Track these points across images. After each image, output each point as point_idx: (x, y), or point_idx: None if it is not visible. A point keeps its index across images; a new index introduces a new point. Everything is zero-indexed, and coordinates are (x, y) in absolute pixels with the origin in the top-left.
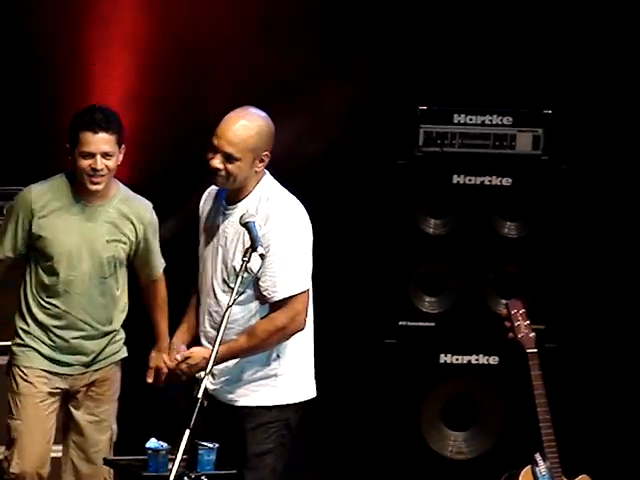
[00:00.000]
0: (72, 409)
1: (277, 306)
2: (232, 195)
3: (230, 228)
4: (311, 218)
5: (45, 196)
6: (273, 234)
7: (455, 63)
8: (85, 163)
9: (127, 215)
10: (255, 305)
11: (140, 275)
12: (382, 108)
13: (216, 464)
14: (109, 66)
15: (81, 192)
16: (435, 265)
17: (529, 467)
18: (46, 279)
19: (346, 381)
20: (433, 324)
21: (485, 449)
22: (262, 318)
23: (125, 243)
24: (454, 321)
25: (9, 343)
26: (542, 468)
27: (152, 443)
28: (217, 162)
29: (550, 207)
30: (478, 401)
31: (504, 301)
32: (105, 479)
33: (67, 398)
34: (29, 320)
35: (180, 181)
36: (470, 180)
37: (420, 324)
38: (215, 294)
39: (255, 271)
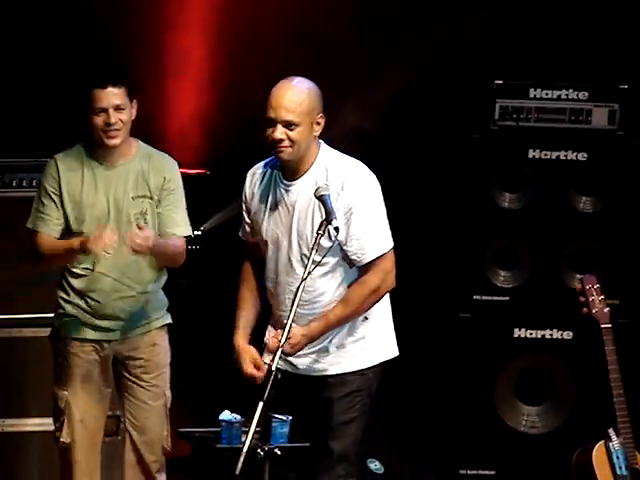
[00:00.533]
0: (123, 376)
1: (367, 268)
2: (291, 169)
3: (299, 202)
4: (386, 192)
5: (69, 163)
6: (353, 198)
7: (532, 37)
8: (99, 119)
9: (150, 171)
10: (340, 273)
11: (163, 235)
12: (458, 82)
13: (289, 437)
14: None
15: (101, 154)
16: (510, 239)
17: (602, 442)
18: None
19: (421, 355)
20: (507, 298)
21: (558, 424)
22: (351, 284)
23: (151, 198)
24: (528, 296)
25: (52, 315)
26: (615, 443)
27: (225, 415)
28: (278, 133)
29: (625, 182)
30: (552, 376)
31: (579, 276)
32: (163, 447)
33: (116, 365)
34: (68, 289)
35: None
36: (545, 155)
37: (494, 298)
38: (295, 271)
39: (334, 239)
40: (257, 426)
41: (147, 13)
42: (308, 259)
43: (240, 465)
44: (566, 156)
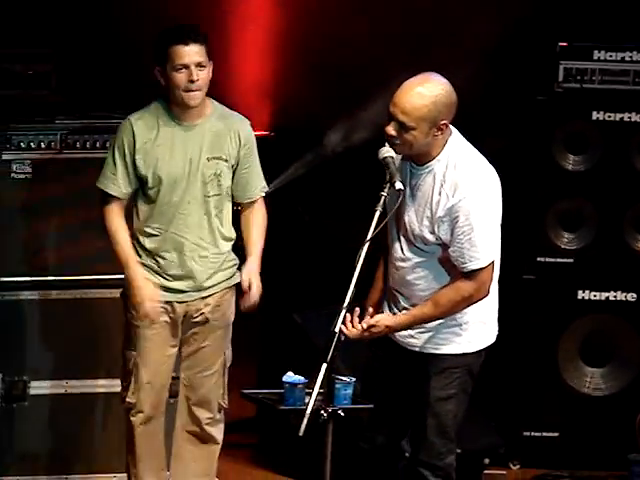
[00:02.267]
0: (185, 333)
1: (464, 275)
2: (417, 158)
3: (418, 191)
4: None
5: (144, 123)
6: (462, 205)
7: None
8: (180, 77)
9: (226, 132)
10: (440, 268)
11: (240, 197)
12: (523, 44)
13: (353, 398)
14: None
15: (178, 113)
16: (573, 201)
17: None
18: (151, 204)
19: None
20: (571, 260)
21: (622, 386)
22: (447, 285)
23: (226, 160)
24: (592, 258)
25: (123, 275)
26: None
27: (289, 377)
28: (391, 129)
29: None
30: (616, 338)
31: None
32: (219, 404)
33: (183, 324)
34: (139, 250)
35: None
36: (609, 117)
37: (558, 260)
38: (402, 250)
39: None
40: (320, 387)
41: None
42: (416, 245)
43: (304, 426)
44: (630, 118)
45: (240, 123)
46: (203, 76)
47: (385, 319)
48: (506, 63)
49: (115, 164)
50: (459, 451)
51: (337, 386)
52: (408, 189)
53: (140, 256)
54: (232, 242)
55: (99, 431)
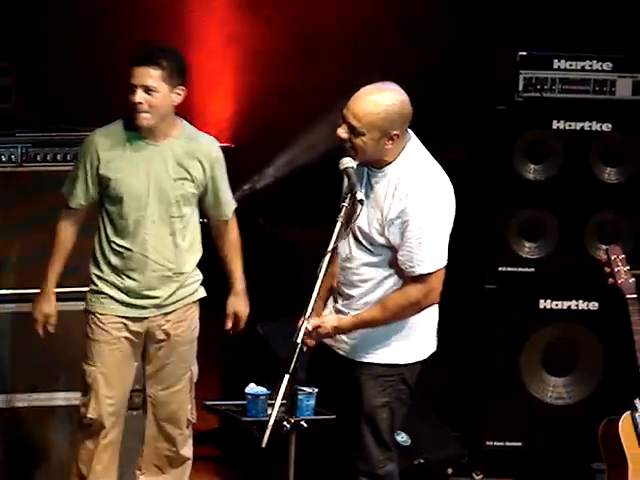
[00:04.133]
0: (149, 350)
1: (413, 280)
2: (372, 161)
3: (372, 192)
4: None
5: (110, 138)
6: (412, 209)
7: (556, 8)
8: (130, 96)
9: (193, 153)
10: (387, 270)
11: (211, 216)
12: (482, 54)
13: (315, 409)
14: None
15: (143, 132)
16: (535, 211)
17: (629, 413)
18: (116, 221)
19: (447, 327)
20: (533, 269)
21: (585, 395)
22: (396, 290)
23: (192, 181)
24: (554, 267)
25: (86, 289)
26: None
27: (251, 388)
28: (342, 131)
29: None
30: (578, 346)
31: (604, 247)
32: (187, 419)
33: (146, 341)
34: (102, 266)
35: None
36: (570, 125)
37: (520, 269)
38: (350, 249)
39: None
40: (283, 398)
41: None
42: (365, 246)
43: (266, 438)
44: (590, 127)
45: (207, 144)
46: (151, 100)
47: (331, 319)
48: (466, 73)
49: (77, 174)
50: (422, 461)
51: (300, 397)
52: (363, 190)
53: (102, 271)
54: (198, 259)
55: (63, 444)
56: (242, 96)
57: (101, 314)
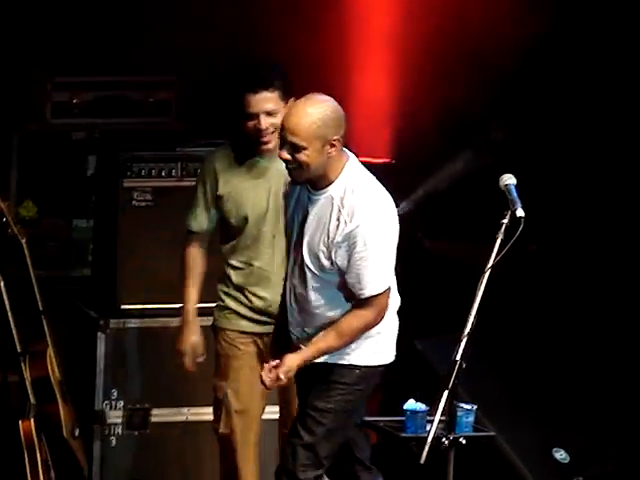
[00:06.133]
0: None
1: (363, 302)
2: (314, 184)
3: (316, 216)
4: None
5: (226, 157)
6: (360, 230)
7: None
8: (250, 124)
9: None
10: (333, 297)
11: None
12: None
13: (474, 426)
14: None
15: (258, 149)
16: None
17: None
18: (237, 237)
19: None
20: None
21: None
22: (347, 313)
23: None
24: None
25: (213, 304)
26: None
27: (410, 404)
28: (284, 153)
29: None
30: None
31: None
32: None
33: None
34: (228, 282)
35: None
36: None
37: None
38: (300, 276)
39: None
40: (442, 415)
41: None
42: (313, 272)
43: (425, 454)
44: None
45: None
46: (274, 122)
47: (293, 360)
48: None
49: (197, 199)
50: (581, 479)
51: (459, 414)
52: (306, 214)
53: (228, 287)
54: None
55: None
56: (401, 110)
57: (228, 329)
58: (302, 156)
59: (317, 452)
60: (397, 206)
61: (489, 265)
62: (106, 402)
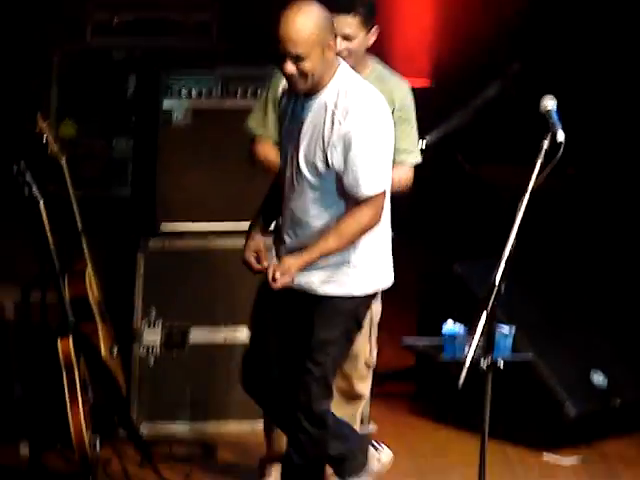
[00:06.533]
0: None
1: (360, 203)
2: (309, 89)
3: (311, 123)
4: None
5: None
6: (355, 130)
7: None
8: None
9: (381, 93)
10: (334, 202)
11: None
12: None
13: (512, 349)
14: None
15: None
16: None
17: None
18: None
19: None
20: None
21: None
22: (346, 215)
23: None
24: None
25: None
26: None
27: (449, 328)
28: (289, 67)
29: None
30: None
31: None
32: (366, 360)
33: None
34: None
35: None
36: None
37: None
38: (295, 184)
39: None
40: (480, 338)
41: None
42: (308, 180)
43: (463, 377)
44: None
45: (397, 86)
46: (349, 46)
47: (294, 259)
48: None
49: (266, 108)
50: (619, 402)
51: (497, 337)
52: (300, 124)
53: None
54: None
55: None
56: (442, 33)
57: None
58: (306, 65)
59: (328, 383)
60: (424, 137)
61: (528, 188)
62: (144, 321)
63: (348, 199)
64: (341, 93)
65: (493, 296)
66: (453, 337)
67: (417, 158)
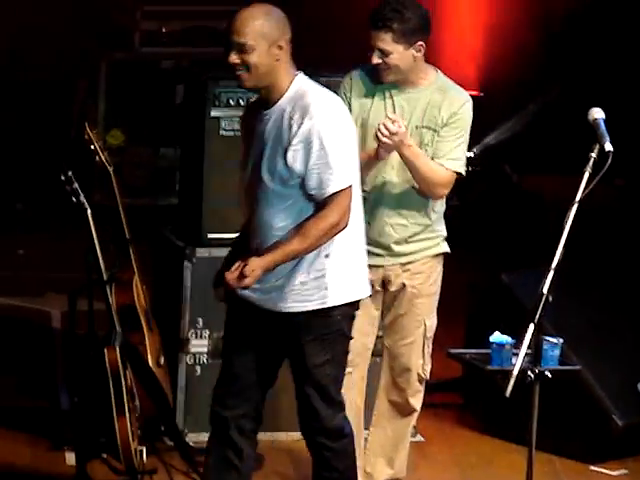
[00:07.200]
0: (386, 300)
1: (325, 203)
2: (266, 99)
3: (270, 134)
4: None
5: (363, 80)
6: (314, 128)
7: None
8: (369, 54)
9: (442, 105)
10: (300, 210)
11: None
12: None
13: (560, 360)
14: None
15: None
16: None
17: None
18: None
19: None
20: None
21: None
22: (311, 216)
23: (435, 131)
24: None
25: None
26: None
27: (496, 337)
28: (233, 57)
29: None
30: None
31: None
32: (418, 374)
33: (385, 290)
34: None
35: None
36: None
37: None
38: (259, 202)
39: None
40: (528, 348)
41: None
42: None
43: (510, 387)
44: None
45: (456, 95)
46: (386, 60)
47: (258, 261)
48: None
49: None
50: None
51: (544, 347)
52: (263, 135)
53: None
54: (438, 214)
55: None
56: (493, 45)
57: None
58: (251, 57)
59: (334, 400)
60: (470, 150)
61: (577, 199)
62: (192, 331)
63: (315, 205)
64: (297, 97)
65: (541, 306)
66: (501, 347)
67: (457, 166)
